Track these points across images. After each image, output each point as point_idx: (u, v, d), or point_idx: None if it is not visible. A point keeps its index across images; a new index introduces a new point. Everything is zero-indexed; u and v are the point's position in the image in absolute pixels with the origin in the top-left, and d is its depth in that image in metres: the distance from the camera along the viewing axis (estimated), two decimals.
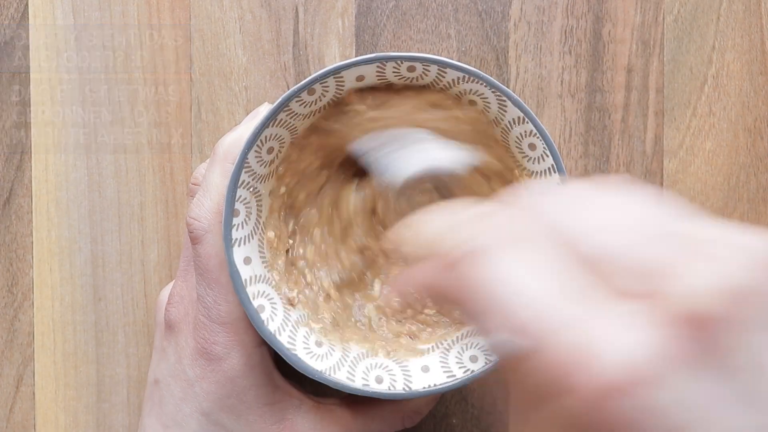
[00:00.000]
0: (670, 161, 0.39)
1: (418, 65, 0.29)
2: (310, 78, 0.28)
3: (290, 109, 0.29)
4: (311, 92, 0.29)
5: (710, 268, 0.17)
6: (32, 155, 0.39)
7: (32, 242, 0.39)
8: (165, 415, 0.30)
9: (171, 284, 0.33)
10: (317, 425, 0.31)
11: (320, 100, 0.30)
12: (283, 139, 0.31)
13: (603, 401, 0.16)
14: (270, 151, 0.30)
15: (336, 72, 0.29)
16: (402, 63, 0.29)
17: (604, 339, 0.16)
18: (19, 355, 0.39)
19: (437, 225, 0.21)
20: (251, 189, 0.30)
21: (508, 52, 0.39)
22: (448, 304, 0.20)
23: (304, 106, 0.30)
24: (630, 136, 0.39)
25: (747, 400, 0.16)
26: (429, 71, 0.29)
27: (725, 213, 0.39)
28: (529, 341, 0.17)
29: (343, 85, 0.30)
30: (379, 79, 0.30)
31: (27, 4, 0.39)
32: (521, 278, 0.18)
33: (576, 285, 0.18)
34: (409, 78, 0.30)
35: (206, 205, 0.29)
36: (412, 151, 0.30)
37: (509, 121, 0.30)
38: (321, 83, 0.29)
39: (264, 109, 0.31)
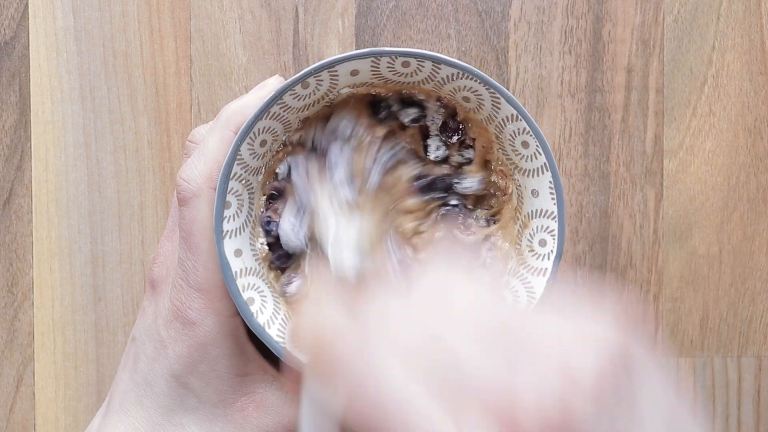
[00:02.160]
0: (670, 161, 0.39)
1: (413, 61, 0.29)
2: (304, 71, 0.28)
3: (284, 103, 0.29)
4: (305, 86, 0.29)
5: (535, 400, 0.19)
6: (32, 155, 0.39)
7: (32, 242, 0.39)
8: (137, 372, 0.30)
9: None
10: (287, 403, 0.31)
11: (314, 94, 0.30)
12: (276, 132, 0.31)
13: None
14: (263, 144, 0.30)
15: (330, 66, 0.29)
16: (396, 58, 0.29)
17: None
18: (19, 355, 0.39)
19: (323, 322, 0.23)
20: (243, 181, 0.30)
21: (508, 52, 0.39)
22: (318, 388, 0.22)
23: (298, 100, 0.30)
24: (630, 136, 0.39)
25: None
26: (423, 67, 0.29)
27: (725, 213, 0.39)
28: None
29: (337, 80, 0.30)
30: (373, 75, 0.30)
31: (27, 5, 0.39)
32: (388, 379, 0.20)
33: (435, 388, 0.20)
34: (403, 74, 0.30)
35: (199, 168, 0.29)
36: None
37: (503, 119, 0.30)
38: (315, 77, 0.29)
39: (273, 81, 0.31)
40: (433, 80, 0.30)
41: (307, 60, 0.39)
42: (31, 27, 0.39)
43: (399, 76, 0.30)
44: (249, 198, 0.31)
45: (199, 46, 0.39)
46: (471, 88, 0.30)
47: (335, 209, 0.31)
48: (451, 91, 0.30)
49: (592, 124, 0.39)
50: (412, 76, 0.30)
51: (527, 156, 0.30)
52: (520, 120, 0.29)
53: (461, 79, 0.29)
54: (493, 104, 0.30)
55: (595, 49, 0.39)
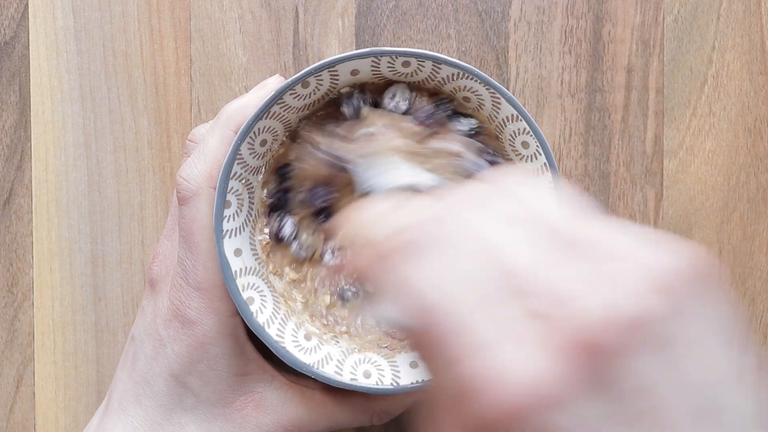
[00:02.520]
0: (670, 161, 0.39)
1: (413, 60, 0.29)
2: (305, 71, 0.28)
3: (284, 102, 0.29)
4: (305, 85, 0.29)
5: (606, 296, 0.18)
6: (32, 155, 0.39)
7: (32, 242, 0.39)
8: (136, 371, 0.30)
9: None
10: (286, 403, 0.31)
11: (314, 94, 0.30)
12: (276, 131, 0.31)
13: (508, 424, 0.18)
14: (263, 143, 0.30)
15: (331, 65, 0.29)
16: (397, 58, 0.29)
17: (511, 363, 0.18)
18: (19, 355, 0.39)
19: (378, 212, 0.23)
20: (243, 181, 0.30)
21: (508, 52, 0.39)
22: (377, 292, 0.21)
23: (299, 99, 0.30)
24: (630, 136, 0.39)
25: (631, 420, 0.18)
26: (423, 67, 0.29)
27: (725, 213, 0.39)
28: (448, 353, 0.19)
29: (337, 79, 0.30)
30: (374, 74, 0.30)
31: (27, 5, 0.39)
32: (444, 284, 0.20)
33: (493, 298, 0.19)
34: (403, 74, 0.30)
35: (198, 168, 0.29)
36: (391, 173, 0.31)
37: (503, 119, 0.30)
38: (315, 76, 0.29)
39: (273, 81, 0.31)
40: (433, 80, 0.30)
41: (307, 60, 0.39)
42: (31, 27, 0.39)
43: (399, 76, 0.30)
44: (249, 197, 0.31)
45: (199, 46, 0.39)
46: (471, 88, 0.30)
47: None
48: (451, 90, 0.31)
49: (592, 124, 0.39)
50: (412, 76, 0.30)
51: (527, 156, 0.30)
52: (521, 120, 0.29)
53: (462, 79, 0.29)
54: (493, 104, 0.30)
55: (595, 49, 0.39)
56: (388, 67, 0.30)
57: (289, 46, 0.39)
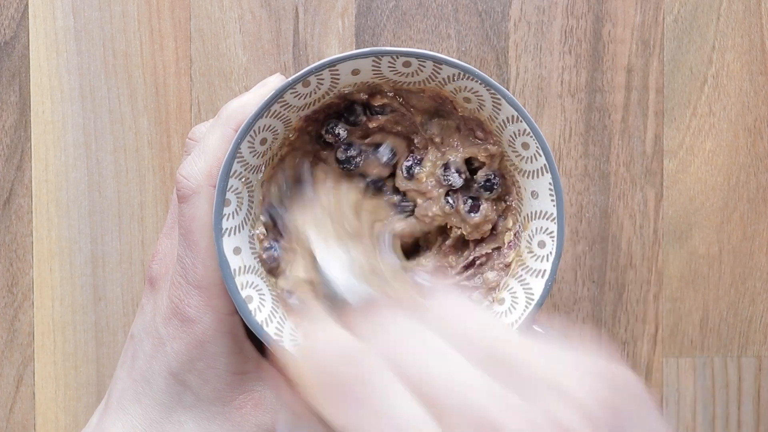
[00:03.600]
0: (670, 161, 0.39)
1: (414, 61, 0.29)
2: (305, 69, 0.28)
3: (285, 101, 0.29)
4: (306, 84, 0.29)
5: (541, 403, 0.19)
6: (32, 155, 0.39)
7: (32, 242, 0.39)
8: (135, 369, 0.30)
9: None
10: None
11: (315, 93, 0.30)
12: (276, 130, 0.31)
13: None
14: (263, 142, 0.30)
15: (332, 65, 0.29)
16: (398, 58, 0.29)
17: None
18: (19, 355, 0.39)
19: (317, 361, 0.23)
20: (243, 179, 0.30)
21: (508, 52, 0.39)
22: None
23: (299, 99, 0.30)
24: (630, 136, 0.39)
25: None
26: (424, 67, 0.29)
27: (725, 213, 0.39)
28: None
29: (338, 78, 0.30)
30: (374, 74, 0.30)
31: (27, 5, 0.39)
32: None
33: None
34: (404, 73, 0.30)
35: (199, 166, 0.29)
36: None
37: (503, 120, 0.30)
38: (316, 75, 0.29)
39: (274, 80, 0.31)
40: (434, 80, 0.30)
41: (307, 60, 0.39)
42: (31, 27, 0.39)
43: (400, 76, 0.30)
44: (249, 196, 0.31)
45: (199, 46, 0.39)
46: (472, 88, 0.30)
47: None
48: (452, 91, 0.31)
49: (592, 124, 0.39)
50: (413, 76, 0.30)
51: (527, 157, 0.30)
52: (521, 121, 0.29)
53: (462, 79, 0.29)
54: (494, 105, 0.30)
55: (595, 49, 0.39)
56: (389, 67, 0.30)
57: (289, 46, 0.39)
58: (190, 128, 0.39)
